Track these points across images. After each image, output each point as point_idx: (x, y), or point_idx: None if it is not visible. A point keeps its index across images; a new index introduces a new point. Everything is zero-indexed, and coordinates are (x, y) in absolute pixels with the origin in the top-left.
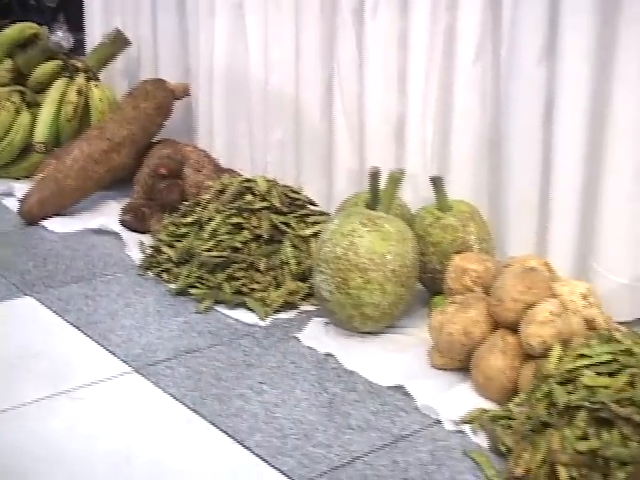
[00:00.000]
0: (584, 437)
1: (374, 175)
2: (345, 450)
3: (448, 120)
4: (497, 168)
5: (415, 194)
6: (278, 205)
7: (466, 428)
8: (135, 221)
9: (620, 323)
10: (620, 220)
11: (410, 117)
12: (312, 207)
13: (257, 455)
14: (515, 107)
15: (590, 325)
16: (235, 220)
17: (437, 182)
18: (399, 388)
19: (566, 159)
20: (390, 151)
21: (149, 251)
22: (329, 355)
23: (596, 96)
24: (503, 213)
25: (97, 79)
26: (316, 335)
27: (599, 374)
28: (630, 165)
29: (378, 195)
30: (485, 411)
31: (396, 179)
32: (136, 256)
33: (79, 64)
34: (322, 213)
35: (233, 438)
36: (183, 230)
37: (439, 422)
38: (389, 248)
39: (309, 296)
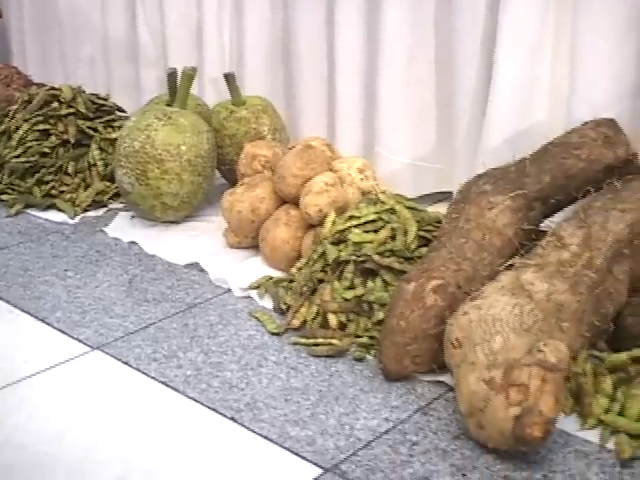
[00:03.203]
0: (351, 287)
1: (171, 75)
2: (140, 319)
3: (242, 24)
4: (289, 65)
5: (217, 96)
6: (84, 111)
7: (253, 294)
8: None
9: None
10: (397, 105)
11: (207, 23)
12: (119, 113)
13: (57, 329)
14: (301, 7)
15: (366, 195)
16: (42, 127)
17: (229, 78)
18: (195, 265)
19: (347, 51)
20: (192, 56)
21: None
22: (133, 243)
23: None
24: (297, 106)
25: None
26: (121, 227)
27: (366, 232)
28: (402, 54)
29: (175, 93)
30: (271, 278)
31: (189, 76)
32: None
33: None
34: (128, 118)
35: (35, 317)
36: None
37: (229, 291)
38: (184, 140)
39: (117, 195)
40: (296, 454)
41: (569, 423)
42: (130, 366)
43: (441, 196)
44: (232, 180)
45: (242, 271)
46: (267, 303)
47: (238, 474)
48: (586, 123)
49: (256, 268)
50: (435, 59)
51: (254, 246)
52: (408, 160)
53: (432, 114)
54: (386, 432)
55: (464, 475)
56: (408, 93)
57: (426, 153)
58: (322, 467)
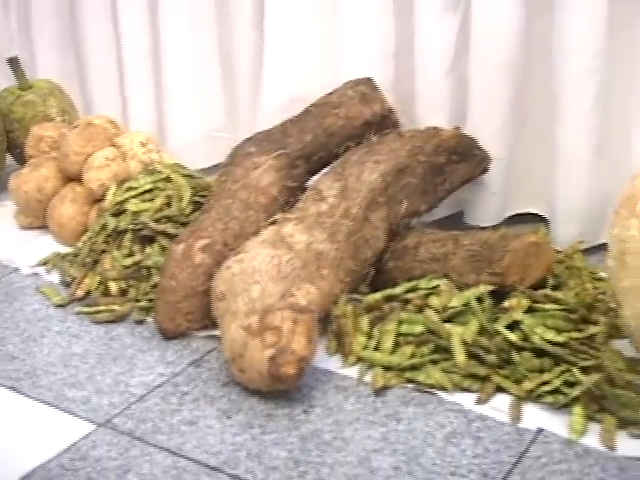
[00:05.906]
0: (130, 254)
1: None
2: None
3: (28, 5)
4: (78, 45)
5: (10, 81)
6: None
7: (41, 270)
8: None
9: (203, 170)
10: (185, 78)
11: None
12: None
13: None
14: None
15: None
16: None
17: (13, 63)
18: None
19: (132, 28)
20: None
21: None
22: None
23: None
24: (89, 86)
25: None
26: None
27: (143, 201)
28: (185, 27)
29: None
30: (59, 254)
31: None
32: None
33: None
34: None
35: None
36: None
37: (18, 270)
38: None
39: None
40: (71, 413)
41: (333, 362)
42: None
43: None
44: (22, 163)
45: (31, 250)
46: (55, 278)
47: (15, 438)
48: (347, 83)
49: (46, 246)
50: (217, 31)
51: (45, 226)
52: (201, 132)
53: (218, 85)
54: (159, 386)
55: (229, 417)
56: (195, 65)
57: (217, 124)
58: (95, 423)
